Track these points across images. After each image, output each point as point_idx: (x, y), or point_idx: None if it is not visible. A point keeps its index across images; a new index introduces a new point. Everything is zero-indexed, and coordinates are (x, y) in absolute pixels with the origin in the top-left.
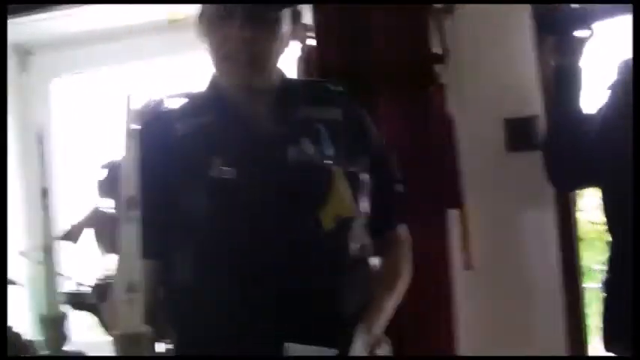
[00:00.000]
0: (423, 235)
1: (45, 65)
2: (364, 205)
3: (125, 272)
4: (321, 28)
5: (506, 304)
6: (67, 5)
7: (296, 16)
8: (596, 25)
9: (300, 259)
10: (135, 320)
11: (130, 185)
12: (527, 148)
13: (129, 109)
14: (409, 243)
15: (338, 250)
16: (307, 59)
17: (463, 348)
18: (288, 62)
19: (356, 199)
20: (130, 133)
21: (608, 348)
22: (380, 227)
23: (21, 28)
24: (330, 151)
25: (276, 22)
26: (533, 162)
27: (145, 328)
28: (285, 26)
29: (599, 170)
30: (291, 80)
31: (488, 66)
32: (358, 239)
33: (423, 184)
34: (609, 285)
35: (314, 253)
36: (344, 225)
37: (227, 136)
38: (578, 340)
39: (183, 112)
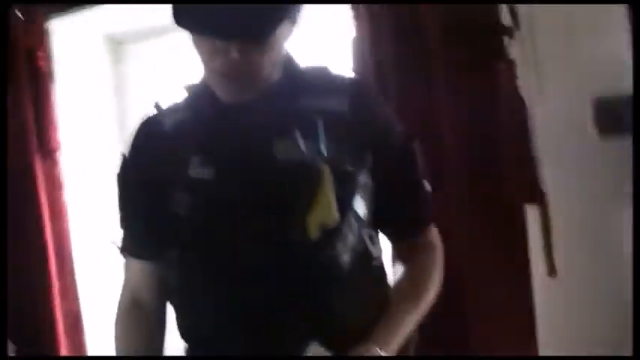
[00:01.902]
0: (495, 237)
1: (139, 55)
2: (362, 209)
3: None
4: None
5: (597, 317)
6: None
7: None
8: None
9: (283, 270)
10: None
11: None
12: (621, 132)
13: None
14: (439, 249)
15: (325, 261)
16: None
17: None
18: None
19: (349, 203)
20: None
21: None
22: (401, 232)
23: (114, 19)
24: (325, 147)
25: (269, 40)
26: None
27: None
28: (281, 35)
29: None
30: (293, 68)
31: (571, 38)
32: (353, 247)
33: (493, 176)
34: None
35: (297, 264)
36: (333, 232)
37: (207, 131)
38: None
39: (174, 106)
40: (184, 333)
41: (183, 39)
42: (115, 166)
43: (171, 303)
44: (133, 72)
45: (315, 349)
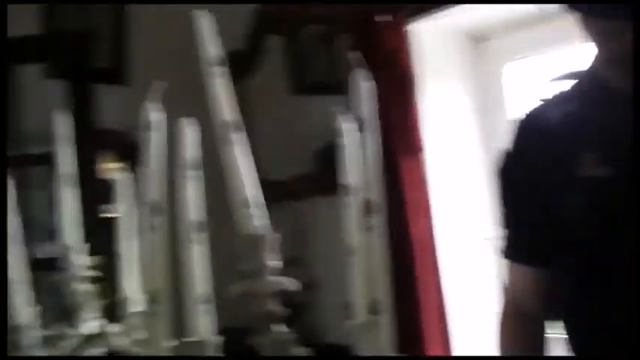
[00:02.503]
0: None
1: (500, 51)
2: None
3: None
4: None
5: None
6: None
7: None
8: None
9: None
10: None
11: None
12: None
13: None
14: None
15: None
16: None
17: None
18: None
19: None
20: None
21: None
22: None
23: (475, 15)
24: None
25: None
26: None
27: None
28: None
29: None
30: None
31: None
32: None
33: None
34: None
35: None
36: None
37: (601, 124)
38: None
39: (558, 97)
40: (578, 350)
41: (546, 30)
42: (490, 164)
43: (562, 316)
44: (495, 69)
45: None
